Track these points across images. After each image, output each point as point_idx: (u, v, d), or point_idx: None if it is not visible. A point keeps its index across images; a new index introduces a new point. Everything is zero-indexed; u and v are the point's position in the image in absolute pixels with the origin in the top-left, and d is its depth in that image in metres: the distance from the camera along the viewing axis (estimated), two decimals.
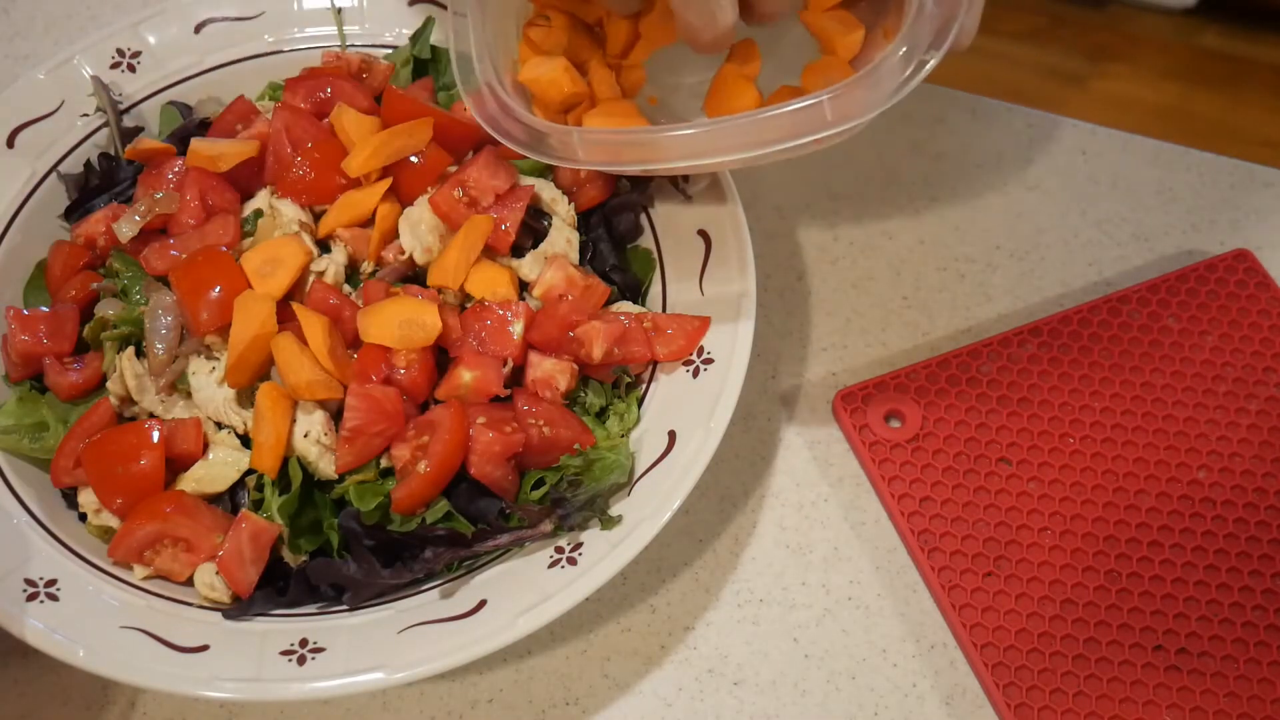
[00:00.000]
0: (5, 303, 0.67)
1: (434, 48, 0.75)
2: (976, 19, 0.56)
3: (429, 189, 0.67)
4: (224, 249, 0.65)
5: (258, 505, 0.60)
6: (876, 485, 0.68)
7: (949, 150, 0.82)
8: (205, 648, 0.56)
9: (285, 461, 0.60)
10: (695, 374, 0.63)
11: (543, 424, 0.61)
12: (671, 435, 0.61)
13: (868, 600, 0.65)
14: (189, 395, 0.63)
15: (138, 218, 0.66)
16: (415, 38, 0.75)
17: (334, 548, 0.60)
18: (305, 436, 0.60)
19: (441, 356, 0.64)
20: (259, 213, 0.68)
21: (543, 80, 0.63)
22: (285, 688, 0.55)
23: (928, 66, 0.54)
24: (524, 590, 0.57)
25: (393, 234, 0.67)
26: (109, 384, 0.63)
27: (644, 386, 0.65)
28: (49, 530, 0.60)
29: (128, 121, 0.73)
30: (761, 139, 0.55)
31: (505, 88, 0.60)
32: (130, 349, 0.64)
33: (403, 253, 0.66)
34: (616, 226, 0.70)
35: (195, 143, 0.68)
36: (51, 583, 0.58)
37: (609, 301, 0.66)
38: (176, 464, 0.61)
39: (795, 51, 0.65)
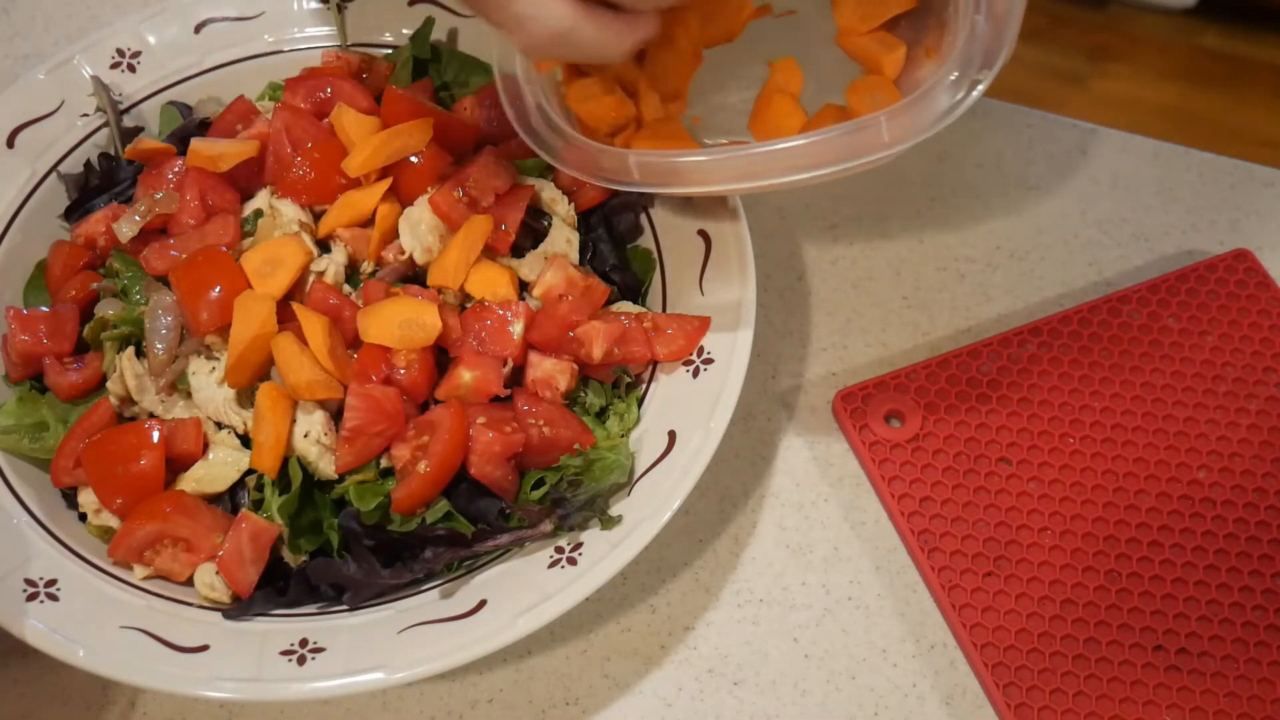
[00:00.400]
0: (5, 303, 0.67)
1: (434, 47, 0.75)
2: (1015, 37, 0.57)
3: (429, 189, 0.67)
4: (224, 249, 0.65)
5: (258, 505, 0.60)
6: (876, 485, 0.68)
7: (949, 150, 0.82)
8: (205, 648, 0.56)
9: (285, 461, 0.60)
10: (695, 374, 0.63)
11: (543, 424, 0.61)
12: (671, 435, 0.61)
13: (868, 600, 0.65)
14: (189, 395, 0.63)
15: (138, 218, 0.66)
16: (415, 38, 0.75)
17: (334, 548, 0.60)
18: (305, 436, 0.60)
19: (441, 356, 0.64)
20: (259, 213, 0.68)
21: (591, 105, 0.63)
22: (285, 688, 0.55)
23: (980, 86, 0.54)
24: (524, 590, 0.57)
25: (393, 234, 0.67)
26: (109, 384, 0.63)
27: (644, 386, 0.65)
28: (49, 530, 0.60)
29: (128, 121, 0.73)
30: (819, 160, 0.55)
31: (554, 108, 0.60)
32: (130, 349, 0.64)
33: (403, 253, 0.66)
34: (616, 226, 0.70)
35: (195, 143, 0.68)
36: (51, 583, 0.58)
37: (609, 301, 0.66)
38: (176, 464, 0.61)
39: (837, 69, 0.66)
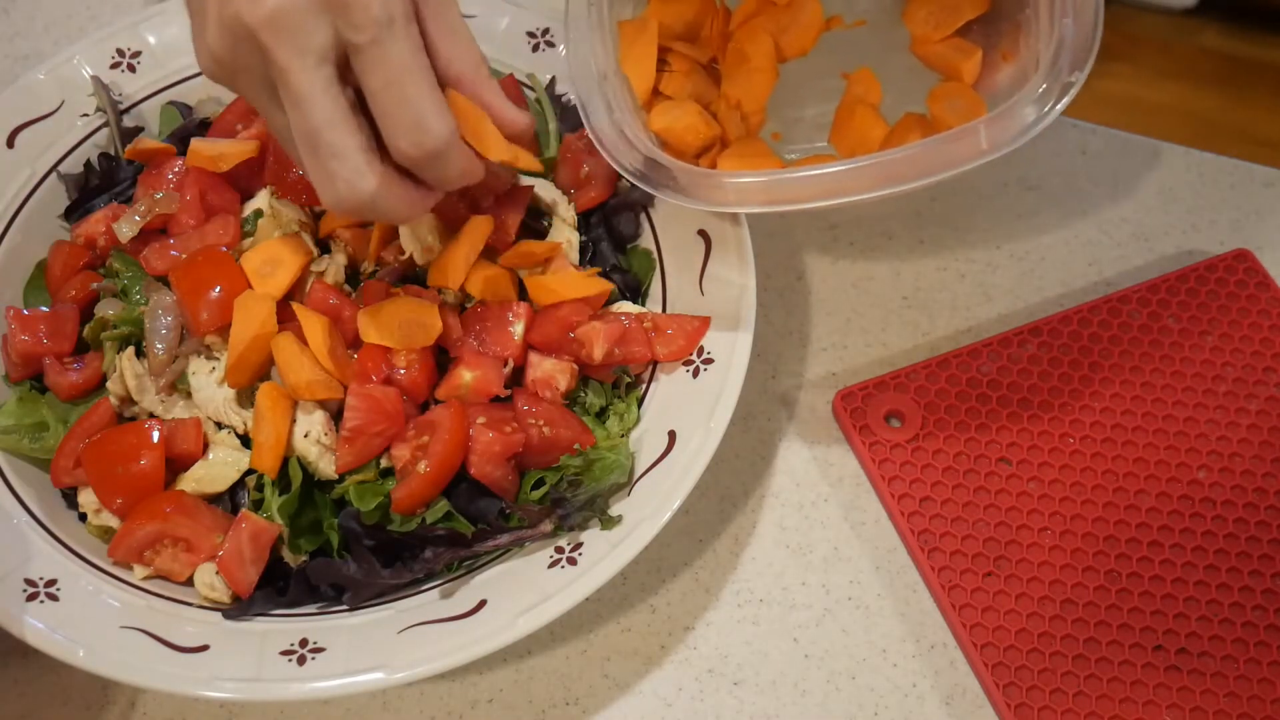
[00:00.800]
0: (5, 303, 0.67)
1: None
2: (1100, 35, 0.57)
3: None
4: (224, 249, 0.65)
5: (258, 505, 0.60)
6: (876, 485, 0.68)
7: None
8: (205, 648, 0.56)
9: (285, 461, 0.60)
10: (695, 374, 0.63)
11: (543, 424, 0.61)
12: (671, 435, 0.61)
13: (868, 600, 0.65)
14: (189, 395, 0.63)
15: (138, 218, 0.66)
16: None
17: (334, 548, 0.60)
18: (305, 436, 0.60)
19: (442, 356, 0.64)
20: (259, 213, 0.68)
21: (678, 128, 0.63)
22: (285, 688, 0.55)
23: (1073, 89, 0.55)
24: (524, 590, 0.57)
25: (393, 234, 0.67)
26: (109, 384, 0.63)
27: (644, 386, 0.65)
28: (49, 530, 0.60)
29: (128, 121, 0.73)
30: (920, 171, 0.56)
31: (641, 133, 0.60)
32: (130, 349, 0.64)
33: (403, 253, 0.66)
34: (616, 226, 0.70)
35: (195, 143, 0.68)
36: (51, 583, 0.58)
37: (609, 301, 0.66)
38: (176, 464, 0.61)
39: (910, 77, 0.66)
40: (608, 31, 0.63)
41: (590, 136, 0.60)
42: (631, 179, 0.59)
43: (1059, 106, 0.55)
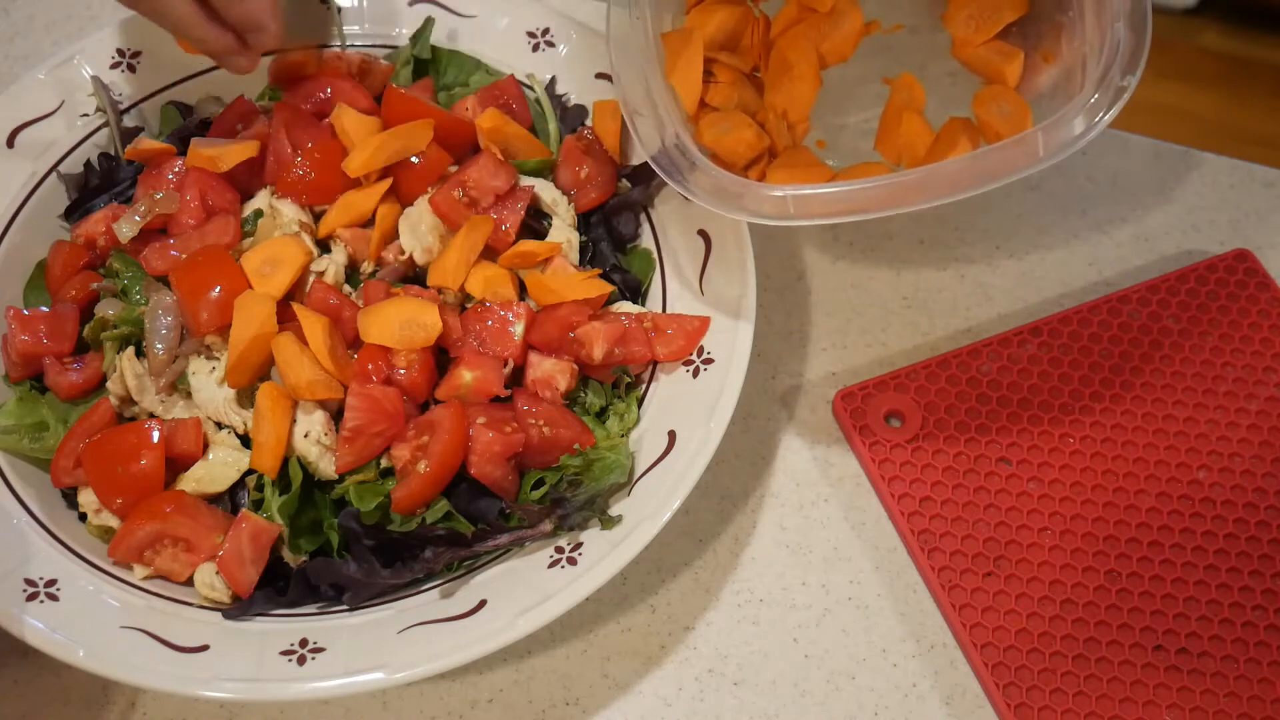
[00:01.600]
0: (5, 303, 0.67)
1: (434, 48, 0.75)
2: (1150, 37, 0.57)
3: (429, 189, 0.67)
4: (224, 249, 0.65)
5: (258, 505, 0.60)
6: (876, 485, 0.68)
7: None
8: (205, 648, 0.56)
9: (285, 461, 0.60)
10: (695, 374, 0.63)
11: (543, 424, 0.61)
12: (671, 435, 0.61)
13: (868, 600, 0.65)
14: (189, 395, 0.63)
15: (138, 218, 0.66)
16: (415, 38, 0.75)
17: (334, 548, 0.60)
18: (305, 436, 0.60)
19: (442, 357, 0.64)
20: (259, 213, 0.68)
21: (728, 140, 0.63)
22: (285, 688, 0.55)
23: (1127, 92, 0.55)
24: (524, 590, 0.57)
25: (393, 234, 0.67)
26: (109, 384, 0.64)
27: (644, 386, 0.65)
28: (49, 530, 0.60)
29: (128, 121, 0.73)
30: (979, 178, 0.56)
31: (692, 147, 0.59)
32: (130, 349, 0.64)
33: (403, 253, 0.66)
34: (616, 227, 0.70)
35: (195, 143, 0.68)
36: (51, 583, 0.58)
37: (609, 301, 0.66)
38: (176, 464, 0.61)
39: (950, 81, 0.66)
40: (652, 44, 0.63)
41: (648, 160, 0.60)
42: (691, 196, 0.59)
43: (1113, 111, 0.55)
